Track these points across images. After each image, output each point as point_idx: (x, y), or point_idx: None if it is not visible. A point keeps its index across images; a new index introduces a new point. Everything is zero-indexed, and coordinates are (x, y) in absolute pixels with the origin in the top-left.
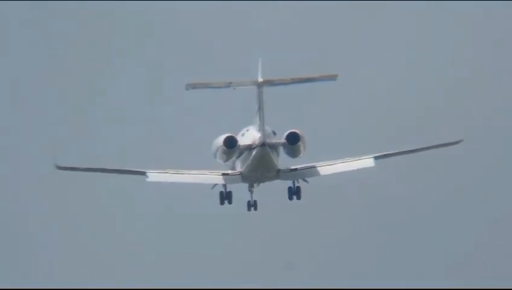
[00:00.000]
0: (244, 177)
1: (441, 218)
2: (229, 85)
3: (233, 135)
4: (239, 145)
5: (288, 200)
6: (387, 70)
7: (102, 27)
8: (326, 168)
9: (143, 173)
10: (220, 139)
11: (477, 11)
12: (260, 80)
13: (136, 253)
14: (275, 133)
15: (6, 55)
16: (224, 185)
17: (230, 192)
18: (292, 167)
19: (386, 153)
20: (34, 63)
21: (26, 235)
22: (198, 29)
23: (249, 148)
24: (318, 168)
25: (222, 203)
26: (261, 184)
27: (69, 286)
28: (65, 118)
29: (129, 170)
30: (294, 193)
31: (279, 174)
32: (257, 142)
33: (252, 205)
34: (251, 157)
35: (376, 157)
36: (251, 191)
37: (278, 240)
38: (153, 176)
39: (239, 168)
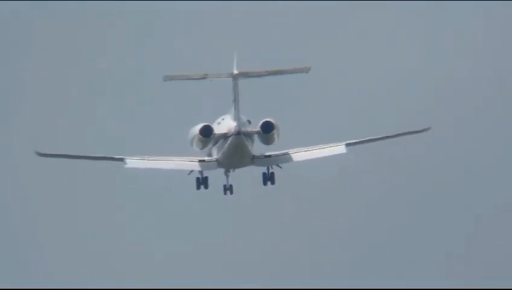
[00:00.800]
0: (220, 163)
1: (410, 203)
2: (205, 77)
3: (209, 124)
4: (215, 134)
5: (263, 185)
6: (360, 62)
7: (84, 17)
8: (299, 155)
9: (121, 160)
10: (196, 128)
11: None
12: (235, 72)
13: (113, 239)
14: (249, 122)
15: None
16: (201, 171)
17: (206, 177)
18: (266, 154)
19: (357, 140)
20: (16, 52)
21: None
22: (179, 22)
23: (225, 136)
24: (291, 154)
25: (198, 188)
26: (237, 170)
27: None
28: (46, 107)
29: (108, 157)
30: (268, 178)
31: (254, 160)
32: (232, 130)
33: (227, 188)
34: (226, 145)
35: (347, 144)
36: (227, 176)
37: (252, 224)
38: (131, 162)
39: (215, 155)
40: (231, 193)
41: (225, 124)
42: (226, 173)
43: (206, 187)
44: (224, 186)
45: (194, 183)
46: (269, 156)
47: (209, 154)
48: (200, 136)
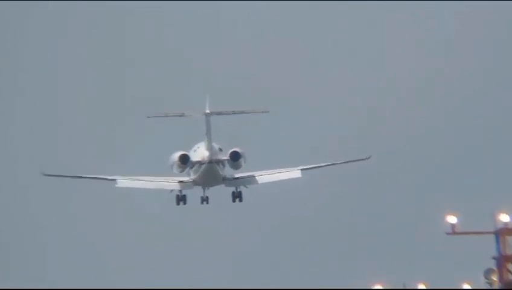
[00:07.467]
0: (196, 183)
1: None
2: (182, 115)
3: (186, 153)
4: (191, 161)
5: (232, 202)
6: (316, 95)
7: (78, 46)
8: (262, 177)
9: (113, 180)
10: (176, 156)
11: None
12: (207, 111)
13: (105, 246)
14: (221, 150)
15: None
16: (180, 190)
17: (184, 195)
18: (235, 176)
19: (310, 166)
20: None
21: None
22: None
23: (200, 163)
24: (256, 177)
25: (178, 204)
26: (210, 188)
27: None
28: (51, 132)
29: (102, 177)
30: (237, 196)
31: (224, 181)
32: (206, 159)
33: (204, 199)
34: (201, 170)
35: (302, 169)
36: (204, 189)
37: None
38: (122, 182)
39: (192, 176)
40: (207, 203)
41: (200, 153)
42: (203, 188)
43: (184, 203)
44: (202, 197)
45: (174, 200)
46: (237, 178)
47: (188, 174)
48: (179, 163)
